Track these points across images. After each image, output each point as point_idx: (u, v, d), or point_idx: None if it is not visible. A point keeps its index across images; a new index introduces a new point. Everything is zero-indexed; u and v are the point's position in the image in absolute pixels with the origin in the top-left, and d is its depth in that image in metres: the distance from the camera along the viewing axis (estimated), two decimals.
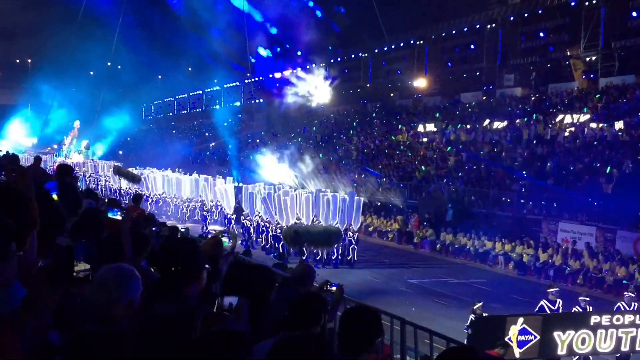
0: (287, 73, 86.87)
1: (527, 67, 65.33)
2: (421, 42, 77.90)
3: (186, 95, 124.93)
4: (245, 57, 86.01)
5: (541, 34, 63.49)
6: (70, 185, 10.81)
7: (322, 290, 9.01)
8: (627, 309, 18.98)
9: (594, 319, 16.35)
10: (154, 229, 14.16)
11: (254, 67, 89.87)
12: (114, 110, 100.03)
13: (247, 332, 5.41)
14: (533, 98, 60.13)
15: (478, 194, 46.91)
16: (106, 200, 16.46)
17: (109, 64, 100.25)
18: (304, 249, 36.92)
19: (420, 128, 66.11)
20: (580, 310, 18.87)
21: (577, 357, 16.94)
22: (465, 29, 71.17)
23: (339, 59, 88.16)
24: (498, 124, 56.93)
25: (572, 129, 49.27)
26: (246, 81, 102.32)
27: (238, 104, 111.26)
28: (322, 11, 79.28)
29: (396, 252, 45.52)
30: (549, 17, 62.03)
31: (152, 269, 7.92)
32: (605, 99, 51.68)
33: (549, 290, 19.82)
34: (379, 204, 53.01)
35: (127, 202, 35.40)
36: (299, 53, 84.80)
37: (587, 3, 57.57)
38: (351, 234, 38.65)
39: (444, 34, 74.48)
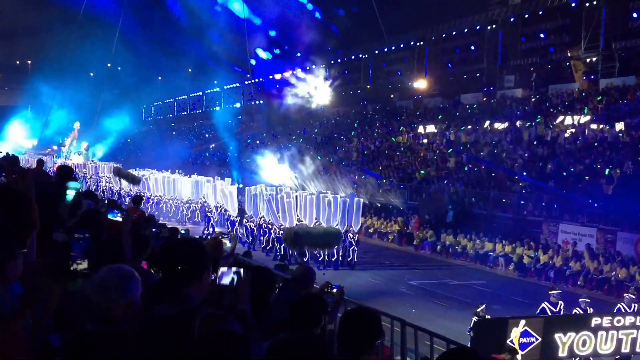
0: (287, 74, 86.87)
1: (528, 68, 65.32)
2: (421, 43, 77.95)
3: (186, 96, 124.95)
4: (245, 59, 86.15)
5: (542, 35, 63.50)
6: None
7: (323, 292, 9.00)
8: (628, 310, 18.97)
9: (595, 321, 16.34)
10: (154, 230, 14.14)
11: (254, 69, 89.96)
12: (114, 111, 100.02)
13: (248, 312, 5.41)
14: (533, 99, 60.12)
15: (478, 195, 46.88)
16: (106, 202, 16.45)
17: (109, 65, 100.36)
18: (305, 250, 36.90)
19: (421, 129, 66.08)
20: (581, 311, 18.86)
21: (577, 358, 16.91)
22: (466, 30, 71.22)
23: (339, 60, 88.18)
24: (498, 125, 56.90)
25: (573, 130, 49.24)
26: (246, 82, 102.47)
27: (238, 105, 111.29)
28: (322, 12, 79.32)
29: (396, 253, 45.51)
30: (549, 18, 62.02)
31: (152, 270, 7.91)
32: (605, 100, 51.65)
33: (550, 292, 19.81)
34: (379, 205, 52.99)
35: (127, 203, 35.41)
36: (298, 55, 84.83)
37: (587, 4, 57.58)
38: (351, 236, 38.60)
39: (444, 35, 74.53)
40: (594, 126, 48.04)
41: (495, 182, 46.72)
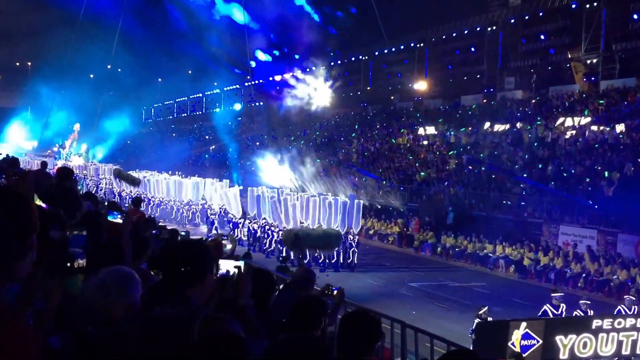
0: (287, 76, 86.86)
1: (528, 70, 65.29)
2: (421, 44, 77.92)
3: (186, 98, 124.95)
4: (245, 60, 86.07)
5: (542, 37, 63.46)
6: (70, 188, 10.78)
7: (323, 294, 9.00)
8: (628, 312, 18.97)
9: (596, 323, 16.33)
10: (154, 232, 14.13)
11: (254, 70, 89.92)
12: (114, 113, 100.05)
13: (250, 307, 5.40)
14: (534, 101, 60.11)
15: (479, 197, 46.88)
16: (106, 204, 16.44)
17: (109, 66, 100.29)
18: (305, 252, 36.92)
19: (421, 131, 66.09)
20: (582, 313, 18.85)
21: None
22: (466, 32, 71.21)
23: (339, 62, 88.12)
24: (499, 127, 56.90)
25: (573, 131, 49.24)
26: (246, 84, 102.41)
27: (238, 106, 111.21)
28: (322, 14, 79.33)
29: (397, 255, 45.50)
30: (549, 19, 62.01)
31: (152, 272, 7.89)
32: (606, 102, 51.64)
33: (553, 295, 19.81)
34: (379, 207, 52.98)
35: (127, 205, 35.41)
36: (296, 57, 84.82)
37: (588, 5, 57.57)
38: (351, 237, 38.58)
39: (444, 37, 74.51)
40: (594, 128, 48.02)
41: (495, 183, 46.71)
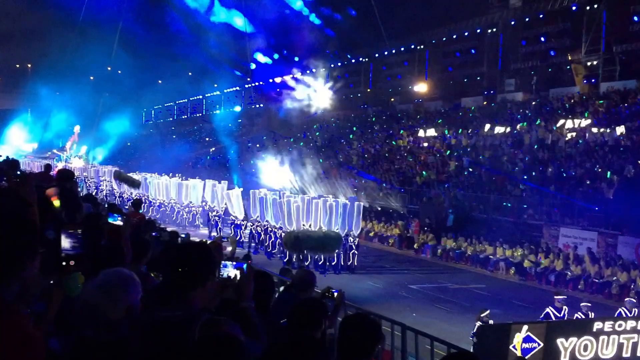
0: (287, 78, 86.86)
1: (528, 72, 65.31)
2: (422, 46, 77.95)
3: (186, 100, 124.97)
4: (245, 62, 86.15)
5: (542, 39, 63.44)
6: (71, 190, 10.77)
7: (323, 297, 8.98)
8: (629, 314, 18.95)
9: (597, 326, 16.33)
10: (154, 234, 14.11)
11: (254, 72, 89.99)
12: (114, 114, 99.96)
13: (251, 309, 5.38)
14: (534, 103, 60.13)
15: (479, 199, 46.84)
16: (106, 206, 16.44)
17: (109, 68, 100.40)
18: (305, 254, 36.92)
19: (421, 133, 66.13)
20: (583, 316, 18.83)
21: None
22: (466, 34, 71.23)
23: (339, 64, 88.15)
24: (499, 129, 56.91)
25: (574, 133, 49.25)
26: (246, 86, 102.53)
27: (238, 108, 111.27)
28: (323, 16, 79.33)
29: (397, 257, 45.46)
30: (550, 21, 62.02)
31: (152, 275, 7.88)
32: (606, 104, 51.65)
33: (555, 297, 19.77)
34: (379, 209, 52.95)
35: (127, 207, 35.40)
36: (296, 59, 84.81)
37: (588, 7, 57.61)
38: (352, 239, 38.54)
39: (444, 39, 74.50)
40: (594, 130, 48.00)
41: (495, 185, 46.69)
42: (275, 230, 40.67)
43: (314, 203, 39.35)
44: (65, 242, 5.63)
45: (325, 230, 37.60)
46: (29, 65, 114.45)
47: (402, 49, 79.78)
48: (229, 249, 11.24)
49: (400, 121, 74.26)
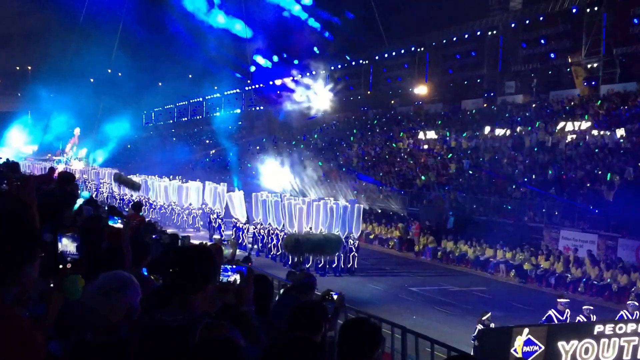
0: (287, 80, 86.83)
1: (528, 74, 65.31)
2: (422, 49, 77.88)
3: (186, 102, 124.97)
4: (245, 65, 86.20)
5: (542, 41, 63.41)
6: (71, 193, 10.77)
7: (324, 299, 8.98)
8: (630, 317, 18.93)
9: (598, 329, 16.31)
10: (154, 236, 14.10)
11: (254, 75, 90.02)
12: (114, 117, 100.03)
13: (252, 313, 5.37)
14: (534, 105, 60.09)
15: (479, 201, 46.81)
16: (106, 208, 16.43)
17: (109, 70, 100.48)
18: (305, 257, 36.91)
19: (421, 135, 66.12)
20: (584, 319, 18.81)
21: None
22: (466, 36, 71.17)
23: (339, 66, 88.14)
24: (499, 131, 56.90)
25: (574, 136, 49.22)
26: (246, 88, 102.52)
27: (238, 111, 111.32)
28: (323, 19, 79.35)
29: (397, 259, 45.45)
30: (550, 23, 61.97)
31: (152, 277, 7.87)
32: (606, 106, 51.63)
33: (558, 300, 19.73)
34: (379, 211, 52.92)
35: (127, 209, 35.39)
36: (297, 61, 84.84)
37: (588, 10, 57.60)
38: (352, 242, 38.51)
39: (444, 41, 74.42)
40: (594, 132, 48.00)
41: (495, 188, 46.66)
42: (278, 232, 40.64)
43: (314, 205, 39.32)
44: (63, 245, 5.65)
45: (325, 233, 37.58)
46: (29, 68, 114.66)
47: (402, 51, 79.79)
48: (229, 251, 11.23)
49: (400, 123, 74.24)
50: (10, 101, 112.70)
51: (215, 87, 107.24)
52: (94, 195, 47.00)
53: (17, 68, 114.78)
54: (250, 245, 43.47)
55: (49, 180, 14.72)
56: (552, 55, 62.81)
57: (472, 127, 61.49)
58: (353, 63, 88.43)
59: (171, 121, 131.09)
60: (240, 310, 5.37)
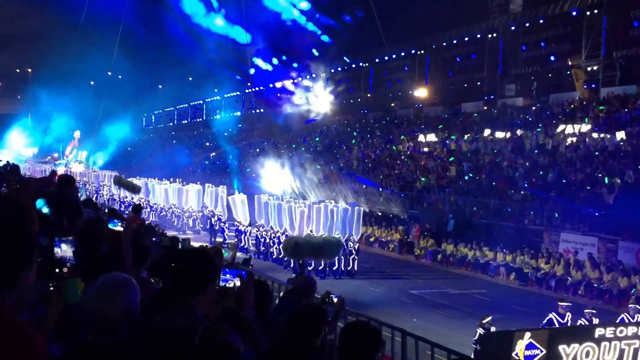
0: (287, 83, 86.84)
1: (529, 77, 65.39)
2: (422, 51, 77.99)
3: (187, 105, 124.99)
4: (245, 67, 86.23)
5: (542, 44, 63.50)
6: (71, 196, 10.75)
7: (323, 303, 8.97)
8: (631, 320, 18.90)
9: (599, 332, 16.26)
10: (154, 239, 14.09)
11: (254, 77, 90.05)
12: (115, 119, 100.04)
13: (252, 318, 5.36)
14: (534, 108, 60.14)
15: (479, 204, 46.77)
16: (106, 211, 16.42)
17: (109, 73, 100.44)
18: (305, 260, 36.88)
19: (421, 138, 66.09)
20: (586, 322, 18.78)
21: None
22: (467, 39, 71.23)
23: (339, 69, 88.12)
24: (499, 134, 56.87)
25: (574, 139, 49.19)
26: (247, 91, 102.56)
27: (238, 113, 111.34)
28: (323, 21, 79.37)
29: (397, 262, 45.44)
30: (550, 26, 62.04)
31: (152, 280, 7.86)
32: (606, 109, 51.65)
33: (559, 304, 19.70)
34: (380, 214, 52.89)
35: (127, 212, 35.37)
36: (297, 64, 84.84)
37: (588, 13, 57.67)
38: (352, 244, 38.50)
39: (445, 44, 74.53)
40: (594, 135, 47.99)
41: (496, 191, 46.60)
42: (280, 235, 40.61)
43: (315, 208, 39.32)
44: (63, 251, 5.65)
45: (325, 236, 37.56)
46: (29, 70, 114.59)
47: (403, 54, 79.87)
48: (229, 254, 11.23)
49: (400, 126, 74.27)
50: (10, 103, 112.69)
51: (216, 90, 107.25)
52: (94, 198, 47.13)
53: (18, 70, 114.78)
54: (253, 249, 43.47)
55: (49, 183, 14.72)
56: (552, 58, 62.88)
57: (472, 130, 61.47)
58: (353, 66, 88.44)
59: (171, 124, 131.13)
60: (241, 315, 5.36)
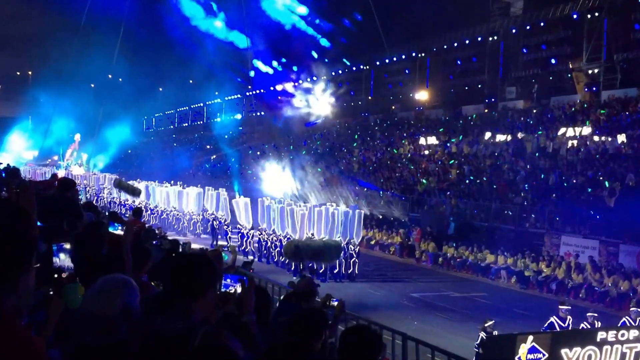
0: (288, 86, 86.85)
1: (529, 80, 65.34)
2: (423, 54, 77.94)
3: (187, 107, 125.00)
4: (246, 70, 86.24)
5: (543, 47, 63.50)
6: (72, 199, 10.73)
7: (324, 306, 8.95)
8: (633, 324, 18.88)
9: (600, 335, 16.26)
10: (154, 242, 14.08)
11: (255, 80, 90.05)
12: (115, 122, 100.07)
13: (253, 323, 5.34)
14: (535, 111, 60.12)
15: (480, 207, 46.76)
16: (107, 214, 16.41)
17: (109, 76, 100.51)
18: (306, 263, 36.86)
19: (422, 141, 66.09)
20: (588, 326, 18.76)
21: None
22: (467, 42, 71.20)
23: (340, 72, 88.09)
24: (500, 137, 56.86)
25: (575, 142, 49.19)
26: (247, 94, 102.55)
27: (239, 116, 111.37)
28: (323, 24, 79.39)
29: (398, 265, 45.38)
30: (551, 29, 62.06)
31: (153, 283, 7.84)
32: (607, 112, 51.63)
33: (560, 307, 19.67)
34: (380, 217, 52.85)
35: (128, 215, 35.38)
36: (298, 66, 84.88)
37: (589, 15, 57.67)
38: (352, 247, 38.48)
39: (445, 47, 74.49)
40: (595, 138, 48.00)
41: (497, 194, 46.60)
42: (282, 239, 40.59)
43: (316, 211, 39.31)
44: (61, 260, 5.64)
45: (325, 240, 37.55)
46: (30, 73, 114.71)
47: (404, 56, 79.84)
48: (230, 257, 11.22)
49: (401, 129, 74.24)
50: (10, 106, 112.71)
51: (216, 93, 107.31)
52: (94, 201, 47.15)
53: (18, 73, 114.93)
54: (257, 253, 43.41)
55: (49, 186, 14.71)
56: (553, 61, 62.89)
57: (473, 133, 61.49)
58: (354, 68, 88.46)
59: (172, 126, 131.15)
60: (242, 321, 5.34)
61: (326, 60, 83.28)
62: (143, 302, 5.07)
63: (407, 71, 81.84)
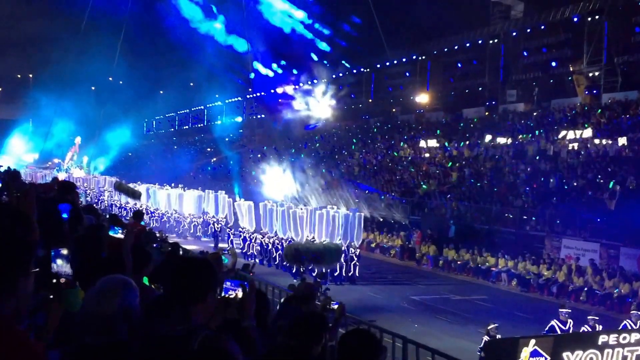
0: (288, 88, 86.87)
1: (530, 83, 65.36)
2: (423, 57, 77.98)
3: (188, 110, 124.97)
4: (246, 72, 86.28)
5: (544, 50, 63.53)
6: (72, 202, 10.71)
7: (324, 309, 8.95)
8: (634, 327, 18.86)
9: (602, 339, 16.22)
10: (155, 245, 14.06)
11: (255, 83, 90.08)
12: (116, 125, 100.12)
13: (253, 328, 5.33)
14: (536, 114, 60.11)
15: (480, 210, 46.73)
16: (107, 217, 16.38)
17: (110, 79, 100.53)
18: (306, 266, 36.83)
19: (423, 144, 66.05)
20: (590, 329, 18.74)
21: None
22: (468, 45, 71.23)
23: (341, 75, 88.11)
24: (500, 140, 56.86)
25: (575, 144, 49.19)
26: (248, 96, 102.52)
27: (240, 119, 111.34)
28: (324, 27, 79.47)
29: (398, 268, 45.37)
30: (551, 32, 62.07)
31: (153, 286, 7.82)
32: (608, 115, 51.64)
33: (560, 310, 19.67)
34: (381, 220, 52.82)
35: (128, 218, 35.37)
36: (298, 69, 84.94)
37: (590, 18, 57.69)
38: (353, 250, 38.47)
39: (446, 50, 74.52)
40: (596, 141, 48.00)
41: (497, 196, 46.58)
42: (284, 242, 40.57)
43: (317, 214, 39.31)
44: (59, 266, 5.63)
45: (325, 243, 37.54)
46: (31, 75, 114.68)
47: (404, 59, 79.94)
48: (230, 260, 11.19)
49: (401, 132, 74.24)
50: (11, 109, 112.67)
51: (217, 95, 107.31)
52: (94, 204, 47.14)
53: (19, 76, 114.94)
54: (259, 256, 43.38)
55: (50, 189, 14.68)
56: (554, 64, 62.93)
57: (473, 136, 61.49)
58: (354, 71, 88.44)
59: (172, 129, 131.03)
60: (242, 326, 5.32)
61: (326, 63, 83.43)
62: (143, 305, 5.06)
63: (407, 74, 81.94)
